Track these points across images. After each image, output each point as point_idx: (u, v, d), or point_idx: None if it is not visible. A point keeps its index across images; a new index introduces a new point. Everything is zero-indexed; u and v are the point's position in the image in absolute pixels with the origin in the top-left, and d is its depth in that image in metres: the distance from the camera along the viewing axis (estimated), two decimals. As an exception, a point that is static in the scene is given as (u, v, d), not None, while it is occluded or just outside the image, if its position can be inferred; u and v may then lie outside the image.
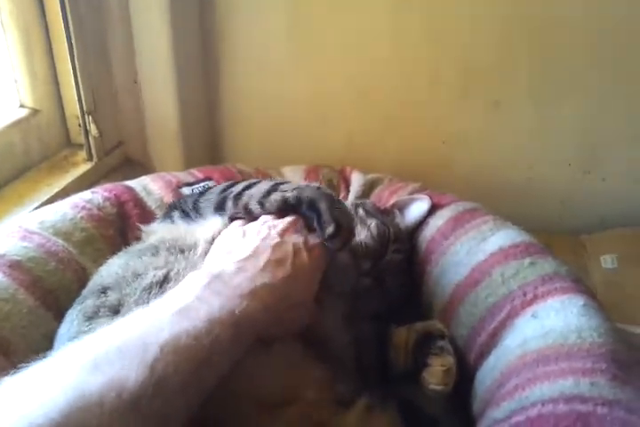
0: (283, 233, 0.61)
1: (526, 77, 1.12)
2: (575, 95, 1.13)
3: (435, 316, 0.77)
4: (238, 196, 0.69)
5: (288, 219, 0.65)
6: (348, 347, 0.68)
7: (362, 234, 0.77)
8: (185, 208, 0.73)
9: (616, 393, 0.50)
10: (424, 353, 0.69)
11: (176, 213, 0.74)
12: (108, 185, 0.86)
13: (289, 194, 0.66)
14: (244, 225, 0.65)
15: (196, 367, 0.44)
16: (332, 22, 1.13)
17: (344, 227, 0.63)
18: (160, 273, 0.61)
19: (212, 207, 0.70)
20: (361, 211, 0.81)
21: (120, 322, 0.47)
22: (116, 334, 0.45)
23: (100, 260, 0.72)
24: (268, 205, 0.67)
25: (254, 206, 0.67)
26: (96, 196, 0.82)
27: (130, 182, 0.88)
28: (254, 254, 0.57)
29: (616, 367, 0.53)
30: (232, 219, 0.69)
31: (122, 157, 1.20)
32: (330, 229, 0.62)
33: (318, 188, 0.68)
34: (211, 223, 0.68)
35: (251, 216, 0.68)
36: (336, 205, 0.66)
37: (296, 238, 0.61)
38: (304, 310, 0.60)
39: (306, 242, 0.62)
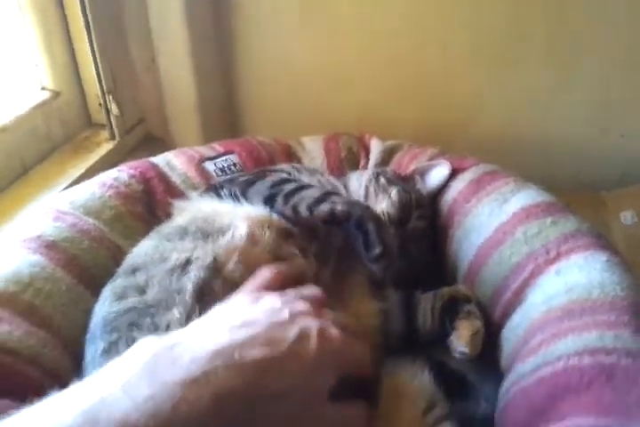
0: (297, 315, 0.49)
1: (542, 35, 1.11)
2: (591, 52, 1.11)
3: (459, 278, 0.78)
4: (289, 195, 0.69)
5: (316, 308, 0.52)
6: (378, 317, 0.69)
7: (384, 202, 0.78)
8: (234, 192, 0.73)
9: (639, 344, 0.51)
10: (451, 318, 0.70)
11: (224, 192, 0.74)
12: (133, 162, 0.87)
13: (339, 207, 0.66)
14: (260, 293, 0.53)
15: None
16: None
17: (390, 252, 0.63)
18: (183, 256, 0.61)
19: (260, 199, 0.70)
20: (382, 179, 0.82)
21: (25, 413, 0.38)
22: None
23: (131, 236, 0.73)
24: (316, 213, 0.66)
25: (303, 209, 0.67)
26: (122, 174, 0.83)
27: (153, 159, 0.89)
28: (243, 325, 0.46)
29: (639, 320, 0.54)
30: (280, 214, 0.69)
31: (143, 135, 1.22)
32: (377, 251, 0.62)
33: (367, 207, 0.69)
34: (257, 210, 0.68)
35: (297, 217, 0.68)
36: (384, 228, 0.66)
37: (309, 324, 0.48)
38: (314, 406, 0.45)
39: (322, 330, 0.48)
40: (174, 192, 0.84)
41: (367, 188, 0.81)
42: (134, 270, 0.62)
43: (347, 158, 1.00)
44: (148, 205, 0.83)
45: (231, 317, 0.47)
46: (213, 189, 0.77)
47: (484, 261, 0.73)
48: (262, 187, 0.73)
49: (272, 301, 0.50)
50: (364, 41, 1.17)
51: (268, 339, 0.45)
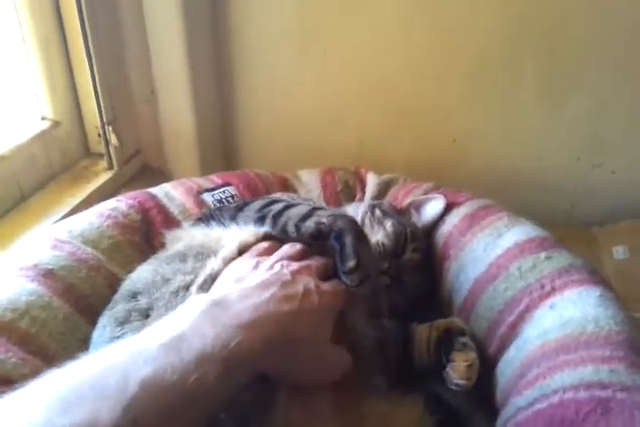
0: (295, 273, 0.58)
1: (534, 72, 1.14)
2: (582, 90, 1.15)
3: (454, 311, 0.79)
4: (277, 215, 0.69)
5: (303, 263, 0.61)
6: (373, 346, 0.70)
7: (379, 234, 0.79)
8: (222, 220, 0.73)
9: (634, 379, 0.52)
10: (447, 350, 0.70)
11: (213, 222, 0.74)
12: (132, 193, 0.88)
13: (323, 220, 0.66)
14: (258, 257, 0.62)
15: (176, 407, 0.41)
16: (341, 24, 1.15)
17: (364, 264, 0.62)
18: (188, 278, 0.62)
19: (250, 223, 0.70)
20: (378, 211, 0.83)
21: (107, 349, 0.45)
22: (97, 363, 0.43)
23: (128, 265, 0.74)
24: (303, 230, 0.66)
25: (291, 228, 0.67)
26: (120, 204, 0.84)
27: (152, 190, 0.90)
28: (262, 285, 0.54)
29: (633, 354, 0.55)
30: (266, 237, 0.68)
31: (140, 165, 1.23)
32: (350, 264, 0.61)
33: (353, 220, 0.68)
34: (246, 231, 0.68)
35: (286, 236, 0.68)
36: (362, 241, 0.65)
37: (307, 280, 0.57)
38: (315, 351, 0.55)
39: (318, 286, 0.58)
40: (172, 223, 0.85)
41: (363, 219, 0.82)
42: (135, 295, 0.63)
43: (343, 192, 1.01)
44: (145, 235, 0.84)
45: (249, 280, 0.55)
46: (204, 218, 0.78)
47: (479, 295, 0.74)
48: (251, 211, 0.73)
49: (271, 262, 0.60)
50: (362, 77, 1.20)
51: (284, 296, 0.54)
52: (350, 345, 0.64)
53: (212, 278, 0.61)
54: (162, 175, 1.22)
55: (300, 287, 0.55)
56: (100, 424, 0.37)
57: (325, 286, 0.59)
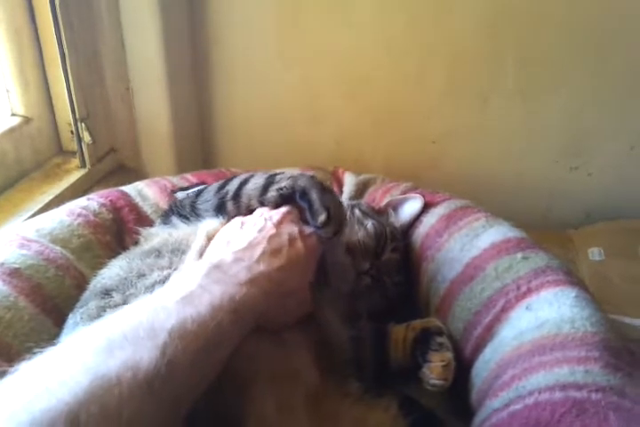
0: (278, 224, 0.63)
1: (512, 75, 1.15)
2: (560, 92, 1.15)
3: (432, 312, 0.78)
4: (237, 196, 0.69)
5: (283, 209, 0.66)
6: (348, 345, 0.69)
7: (359, 234, 0.78)
8: (183, 212, 0.73)
9: (609, 380, 0.52)
10: (423, 350, 0.70)
11: (174, 218, 0.74)
12: (104, 191, 0.87)
13: (283, 184, 0.67)
14: (243, 219, 0.67)
15: (202, 349, 0.46)
16: (320, 24, 1.15)
17: (335, 215, 0.64)
18: (165, 272, 0.61)
19: (211, 210, 0.70)
20: (357, 211, 0.82)
21: (127, 309, 0.49)
22: (124, 320, 0.47)
23: (98, 266, 0.72)
24: (267, 201, 0.68)
25: (256, 204, 0.68)
26: (92, 202, 0.82)
27: (125, 188, 0.89)
28: (250, 246, 0.60)
29: (608, 355, 0.55)
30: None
31: (115, 164, 1.21)
32: (321, 218, 0.63)
33: (312, 177, 0.69)
34: (211, 222, 0.69)
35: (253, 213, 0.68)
36: (328, 194, 0.67)
37: (291, 228, 0.63)
38: (301, 297, 0.62)
39: (301, 231, 0.64)
40: (145, 222, 0.84)
41: None
42: (108, 291, 0.62)
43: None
44: (117, 235, 0.82)
45: (239, 241, 0.60)
46: (164, 214, 0.78)
47: (455, 296, 0.73)
48: (208, 195, 0.73)
49: (255, 220, 0.64)
50: (341, 77, 1.19)
51: (272, 251, 0.59)
52: (325, 345, 0.64)
53: None
54: (137, 174, 1.20)
55: (285, 237, 0.62)
56: (142, 364, 0.42)
57: (307, 228, 0.65)
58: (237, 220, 0.66)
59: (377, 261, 0.78)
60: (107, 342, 0.44)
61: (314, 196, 0.65)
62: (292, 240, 0.62)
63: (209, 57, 1.19)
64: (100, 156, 1.15)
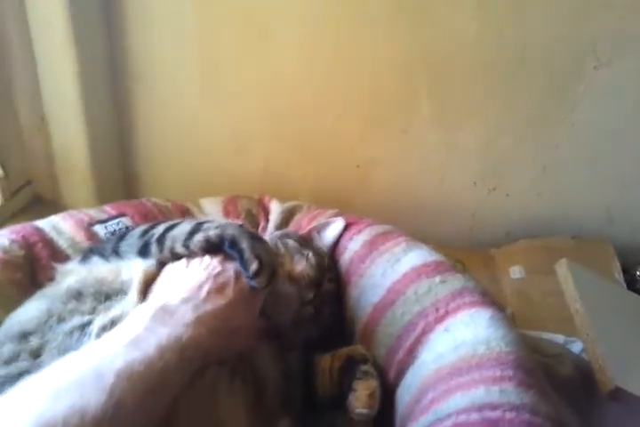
0: (223, 260, 0.64)
1: (428, 106, 1.19)
2: (473, 120, 1.21)
3: (357, 338, 0.78)
4: (161, 239, 0.67)
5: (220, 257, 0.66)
6: (279, 382, 0.68)
7: (300, 264, 0.77)
8: (105, 253, 0.70)
9: (522, 398, 0.53)
10: (349, 379, 0.70)
11: (95, 257, 0.71)
12: (15, 226, 0.83)
13: (211, 233, 0.66)
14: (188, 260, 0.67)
15: (150, 390, 0.47)
16: (242, 51, 1.15)
17: (266, 264, 0.63)
18: (86, 318, 0.59)
19: (134, 252, 0.68)
20: (291, 242, 0.81)
21: (74, 355, 0.50)
22: (71, 366, 0.48)
23: (9, 306, 0.68)
24: (192, 246, 0.66)
25: (180, 249, 0.66)
26: (2, 238, 0.78)
27: (38, 222, 0.85)
28: (197, 285, 0.60)
29: (522, 373, 0.56)
30: (160, 263, 0.67)
31: (30, 197, 1.17)
32: (253, 267, 0.62)
33: (240, 225, 0.68)
34: (136, 265, 0.66)
35: (178, 259, 0.67)
36: (258, 243, 0.66)
37: (236, 264, 0.64)
38: (247, 332, 0.64)
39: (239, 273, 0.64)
40: (60, 257, 0.80)
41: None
42: (25, 335, 0.59)
43: (246, 220, 1.00)
44: (29, 272, 0.78)
45: (186, 280, 0.61)
46: (85, 254, 0.74)
47: (378, 322, 0.74)
48: (132, 239, 0.70)
49: (199, 260, 0.65)
50: (265, 105, 1.20)
51: (219, 288, 0.61)
52: (256, 383, 0.63)
53: (118, 320, 0.58)
54: (55, 206, 1.16)
55: (231, 273, 0.63)
56: (90, 407, 0.42)
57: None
58: (183, 259, 0.66)
59: (318, 290, 0.77)
60: (53, 387, 0.44)
61: (244, 244, 0.64)
62: (237, 275, 0.63)
63: (128, 86, 1.17)
64: (15, 189, 1.11)
